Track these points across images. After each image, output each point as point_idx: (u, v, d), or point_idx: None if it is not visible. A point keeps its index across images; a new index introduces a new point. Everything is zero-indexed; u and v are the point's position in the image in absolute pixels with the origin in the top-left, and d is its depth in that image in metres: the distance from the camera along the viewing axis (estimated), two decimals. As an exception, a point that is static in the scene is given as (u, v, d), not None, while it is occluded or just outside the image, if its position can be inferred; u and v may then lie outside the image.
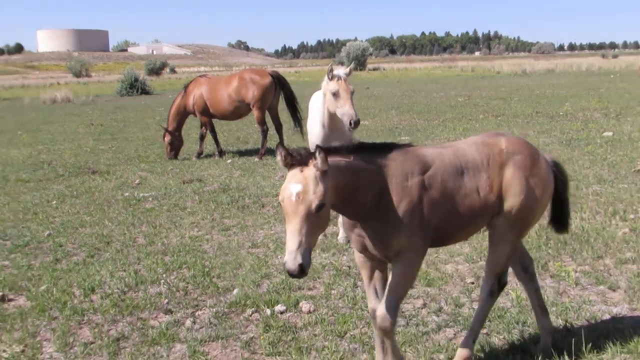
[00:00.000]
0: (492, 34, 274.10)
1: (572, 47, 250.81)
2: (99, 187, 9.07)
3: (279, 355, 3.75)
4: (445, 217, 3.07)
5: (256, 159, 10.80)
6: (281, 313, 4.34)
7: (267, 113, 11.24)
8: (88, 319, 4.41)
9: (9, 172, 10.58)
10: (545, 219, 3.77)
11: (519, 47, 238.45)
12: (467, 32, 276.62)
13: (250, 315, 4.35)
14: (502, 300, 4.32)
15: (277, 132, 11.44)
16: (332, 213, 2.95)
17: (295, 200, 2.62)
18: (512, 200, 3.18)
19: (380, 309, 3.02)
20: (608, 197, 6.98)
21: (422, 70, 56.74)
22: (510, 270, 3.58)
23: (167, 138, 11.45)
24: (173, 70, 70.87)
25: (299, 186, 2.64)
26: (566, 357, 3.41)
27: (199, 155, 11.55)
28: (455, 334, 3.92)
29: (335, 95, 5.55)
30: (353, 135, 6.00)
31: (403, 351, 3.69)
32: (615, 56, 74.20)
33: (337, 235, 6.02)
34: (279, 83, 11.11)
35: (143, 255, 5.77)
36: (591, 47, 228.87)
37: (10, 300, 4.85)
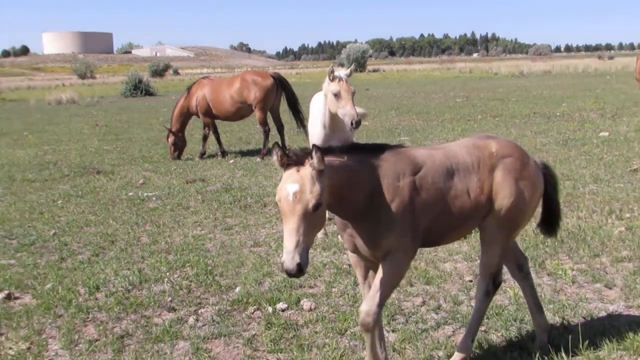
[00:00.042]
0: (489, 35, 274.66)
1: (568, 48, 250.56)
2: (104, 186, 9.14)
3: (280, 352, 3.78)
4: (436, 218, 3.09)
5: (258, 159, 10.87)
6: (283, 311, 4.38)
7: (269, 114, 11.32)
8: (93, 317, 4.46)
9: (16, 172, 10.66)
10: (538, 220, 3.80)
11: (516, 48, 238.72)
12: (465, 34, 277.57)
13: (252, 313, 4.39)
14: (499, 298, 4.37)
15: (278, 132, 11.50)
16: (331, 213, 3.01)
17: (293, 200, 2.61)
18: (502, 202, 3.21)
19: (364, 306, 3.02)
20: (604, 196, 7.02)
21: (421, 71, 56.78)
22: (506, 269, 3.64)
23: (171, 139, 11.53)
24: (176, 72, 71.04)
25: (295, 186, 2.63)
26: (563, 354, 3.43)
27: (202, 155, 11.62)
28: (454, 331, 3.95)
29: (337, 96, 5.60)
30: (353, 135, 6.06)
31: (402, 348, 3.74)
32: (611, 57, 74.02)
33: (338, 234, 6.07)
34: (281, 84, 11.17)
35: (147, 254, 5.82)
36: (587, 48, 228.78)
37: (16, 298, 4.89)
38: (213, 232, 6.54)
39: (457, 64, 74.00)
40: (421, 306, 4.38)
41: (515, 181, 3.23)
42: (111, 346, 3.97)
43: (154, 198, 8.21)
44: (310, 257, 5.40)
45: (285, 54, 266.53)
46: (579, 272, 4.84)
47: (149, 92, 33.75)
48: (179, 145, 11.61)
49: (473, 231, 4.11)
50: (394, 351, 3.71)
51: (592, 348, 3.52)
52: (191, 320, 4.32)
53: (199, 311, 4.50)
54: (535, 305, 3.60)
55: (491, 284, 3.41)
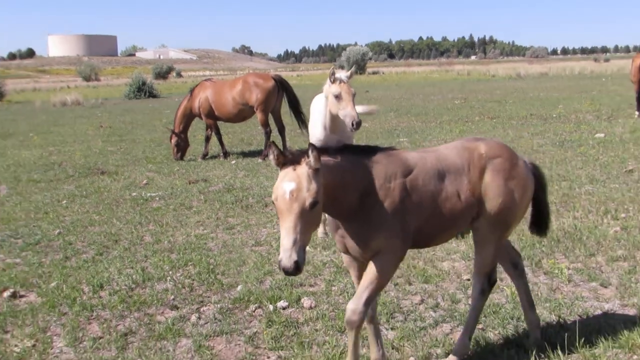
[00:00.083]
0: (487, 38, 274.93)
1: (565, 51, 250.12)
2: (108, 187, 9.21)
3: (281, 350, 3.82)
4: (426, 220, 3.12)
5: (259, 160, 10.94)
6: (283, 309, 4.43)
7: (270, 115, 11.39)
8: (97, 315, 4.50)
9: (21, 172, 10.75)
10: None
11: (513, 51, 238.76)
12: (463, 37, 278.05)
13: (254, 311, 4.43)
14: (496, 297, 4.42)
15: (279, 134, 11.57)
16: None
17: (289, 198, 2.62)
18: (492, 203, 3.24)
19: (350, 304, 3.01)
20: (600, 196, 7.07)
21: (420, 74, 56.80)
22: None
23: (174, 140, 11.61)
24: (179, 74, 71.20)
25: (292, 184, 2.64)
26: (559, 351, 3.47)
27: (205, 156, 11.69)
28: (451, 329, 3.99)
29: (338, 97, 5.65)
30: (354, 136, 6.13)
31: (401, 345, 3.78)
32: (607, 60, 74.05)
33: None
34: (282, 86, 11.24)
35: (150, 253, 5.88)
36: (583, 51, 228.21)
37: (21, 296, 4.94)
38: (215, 232, 6.60)
39: (455, 66, 74.08)
40: (419, 304, 4.43)
41: (504, 181, 3.26)
42: (115, 343, 4.01)
43: (157, 198, 8.27)
44: (311, 256, 5.50)
45: (287, 57, 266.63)
46: (575, 271, 4.89)
47: (152, 94, 33.94)
48: (182, 146, 11.69)
49: (470, 231, 4.16)
50: (392, 349, 3.76)
51: (587, 346, 3.56)
52: (193, 318, 4.37)
53: (201, 309, 4.54)
54: (528, 302, 3.64)
55: (486, 282, 3.46)
